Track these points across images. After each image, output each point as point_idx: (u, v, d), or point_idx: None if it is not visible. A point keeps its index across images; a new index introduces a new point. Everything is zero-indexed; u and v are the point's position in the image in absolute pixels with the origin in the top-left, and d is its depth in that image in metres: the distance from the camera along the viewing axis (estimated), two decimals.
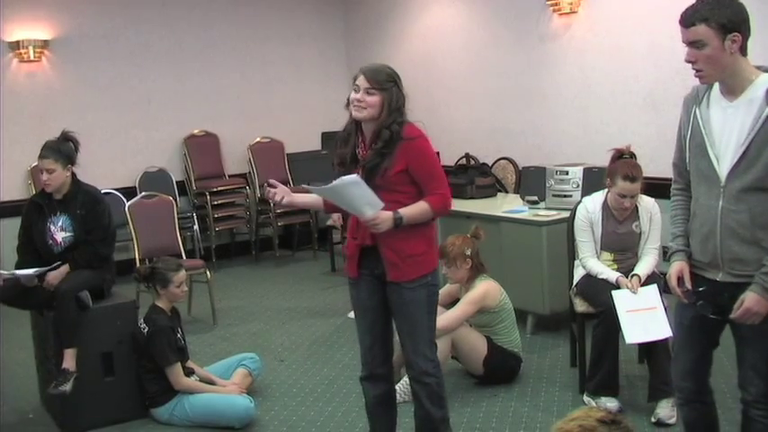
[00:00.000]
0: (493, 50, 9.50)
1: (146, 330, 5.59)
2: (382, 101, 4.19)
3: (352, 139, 4.31)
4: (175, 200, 9.08)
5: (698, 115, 3.58)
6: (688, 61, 3.47)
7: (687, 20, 3.42)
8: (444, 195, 4.31)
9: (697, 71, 3.47)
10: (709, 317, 3.61)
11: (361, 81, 4.20)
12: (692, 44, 3.42)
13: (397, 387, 5.55)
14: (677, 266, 3.68)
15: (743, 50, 3.43)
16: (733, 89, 3.48)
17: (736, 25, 3.38)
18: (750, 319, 3.43)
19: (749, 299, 3.41)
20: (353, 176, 4.06)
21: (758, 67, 3.50)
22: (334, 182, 4.05)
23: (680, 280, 3.66)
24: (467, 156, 9.45)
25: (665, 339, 5.04)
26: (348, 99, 4.27)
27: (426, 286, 4.35)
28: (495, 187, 8.35)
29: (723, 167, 3.49)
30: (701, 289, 3.62)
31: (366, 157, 4.24)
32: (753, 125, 3.40)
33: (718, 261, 3.55)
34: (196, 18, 10.66)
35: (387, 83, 4.22)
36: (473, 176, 8.16)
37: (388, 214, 4.13)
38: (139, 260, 7.71)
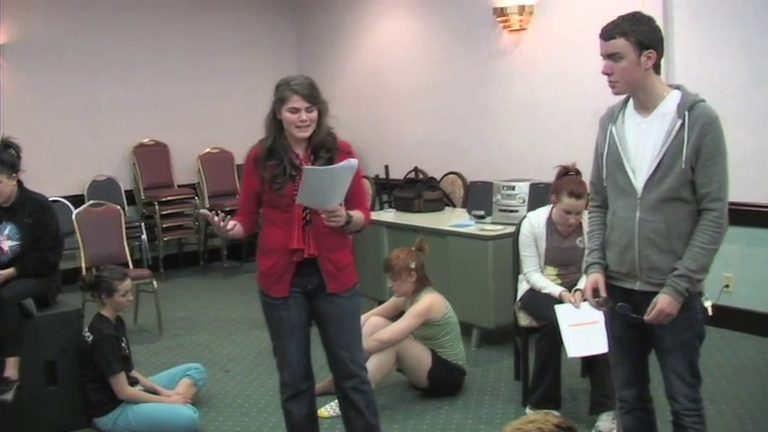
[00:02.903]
0: (443, 65, 9.58)
1: (90, 339, 5.56)
2: (319, 114, 4.24)
3: (287, 155, 4.24)
4: (123, 209, 9.06)
5: (614, 132, 3.75)
6: (605, 73, 3.65)
7: (607, 33, 3.62)
8: (369, 211, 4.53)
9: (611, 82, 3.66)
10: (634, 323, 3.72)
11: (299, 102, 4.16)
12: (610, 56, 3.61)
13: (332, 404, 5.59)
14: (593, 278, 3.84)
15: (656, 68, 3.64)
16: (646, 105, 3.67)
17: (652, 43, 3.60)
18: (663, 319, 3.59)
19: (662, 300, 3.59)
20: (354, 161, 4.11)
21: (669, 85, 3.72)
22: (340, 164, 4.09)
23: (595, 291, 3.80)
24: (415, 170, 9.51)
25: (606, 354, 5.11)
26: (274, 118, 4.25)
27: (357, 295, 4.49)
28: (442, 201, 8.41)
29: (639, 180, 3.66)
30: (619, 304, 3.75)
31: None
32: (666, 138, 3.59)
33: (636, 271, 3.71)
34: (148, 27, 10.64)
35: (319, 95, 4.25)
36: (421, 190, 8.21)
37: (343, 210, 4.18)
38: (86, 269, 7.66)
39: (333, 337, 4.41)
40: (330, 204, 4.11)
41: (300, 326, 4.41)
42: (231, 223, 4.18)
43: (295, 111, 4.17)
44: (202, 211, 4.24)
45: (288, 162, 4.22)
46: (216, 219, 4.10)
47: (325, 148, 4.27)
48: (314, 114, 4.21)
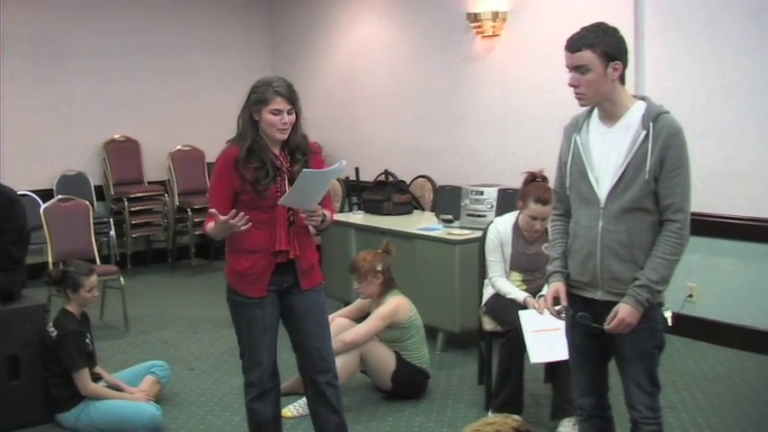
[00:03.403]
0: (416, 69, 9.61)
1: (54, 334, 5.55)
2: (296, 116, 4.29)
3: (268, 154, 4.26)
4: (92, 204, 9.06)
5: (578, 142, 3.76)
6: (571, 85, 3.65)
7: (573, 45, 3.62)
8: (334, 210, 4.63)
9: (578, 94, 3.66)
10: (594, 332, 3.74)
11: (281, 104, 4.20)
12: (577, 68, 3.61)
13: (301, 401, 5.61)
14: (554, 287, 3.84)
15: (621, 79, 3.65)
16: (611, 115, 3.69)
17: (618, 54, 3.61)
18: (623, 329, 3.60)
19: (622, 310, 3.60)
20: (344, 163, 4.21)
21: (634, 96, 3.74)
22: (334, 166, 4.21)
23: (556, 300, 3.82)
24: (386, 172, 9.53)
25: (568, 360, 5.15)
26: (251, 118, 4.26)
27: (323, 291, 4.58)
28: (411, 204, 8.43)
29: (602, 189, 3.67)
30: (580, 313, 3.77)
31: (292, 168, 4.30)
32: (630, 149, 3.61)
33: (598, 280, 3.71)
34: (123, 23, 10.60)
35: (297, 98, 4.30)
36: (390, 193, 8.23)
37: (321, 209, 4.27)
38: (53, 263, 7.61)
39: (308, 331, 4.45)
40: (312, 205, 4.19)
41: (272, 325, 4.43)
42: (246, 218, 4.12)
43: (277, 112, 4.20)
44: (211, 210, 4.16)
45: (270, 164, 4.23)
46: (232, 220, 4.07)
47: (301, 150, 4.33)
48: (293, 117, 4.25)
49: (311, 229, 4.41)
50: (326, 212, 4.33)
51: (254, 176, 4.22)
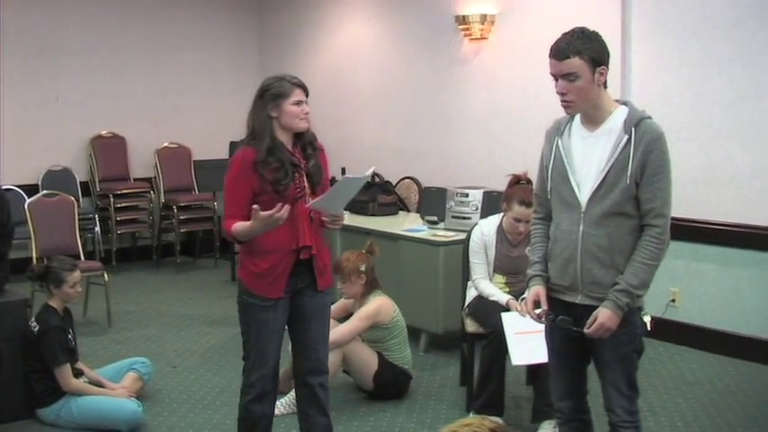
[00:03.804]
0: (403, 71, 9.62)
1: (36, 329, 5.54)
2: None
3: (285, 152, 4.26)
4: (78, 200, 9.03)
5: (560, 146, 3.76)
6: (560, 93, 3.64)
7: (561, 53, 3.60)
8: None
9: (566, 102, 3.65)
10: (573, 336, 3.75)
11: (301, 95, 4.30)
12: (566, 76, 3.60)
13: (284, 400, 5.63)
14: (534, 290, 3.84)
15: (604, 84, 3.65)
16: (594, 120, 3.69)
17: (603, 59, 3.62)
18: (603, 333, 3.61)
19: (602, 314, 3.60)
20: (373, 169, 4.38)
21: (616, 101, 3.74)
22: (366, 173, 4.27)
23: (536, 303, 3.82)
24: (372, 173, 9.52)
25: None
26: (269, 117, 4.27)
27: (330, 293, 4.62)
28: (397, 205, 8.44)
29: (584, 194, 3.68)
30: (560, 317, 3.78)
31: (307, 163, 4.35)
32: (611, 153, 3.61)
33: (578, 284, 3.72)
34: (111, 19, 10.59)
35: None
36: (376, 194, 8.24)
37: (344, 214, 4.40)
38: (37, 259, 7.61)
39: (313, 333, 4.46)
40: (340, 209, 4.30)
41: (281, 328, 4.43)
42: (286, 207, 4.10)
43: (299, 103, 4.28)
44: (254, 207, 4.08)
45: (288, 162, 4.25)
46: (278, 213, 4.05)
47: (311, 145, 4.39)
48: (308, 108, 4.36)
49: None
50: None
51: (274, 177, 4.20)
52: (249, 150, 4.25)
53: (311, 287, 4.41)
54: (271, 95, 4.27)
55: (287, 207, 4.07)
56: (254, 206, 4.08)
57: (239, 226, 4.20)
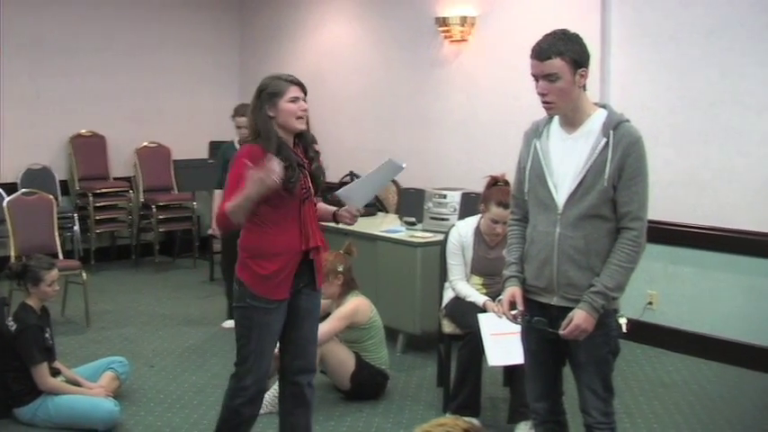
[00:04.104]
0: (383, 72, 9.63)
1: (13, 328, 5.52)
2: None
3: (291, 151, 4.25)
4: (57, 199, 9.00)
5: (538, 147, 3.76)
6: (541, 93, 3.64)
7: (543, 53, 3.60)
8: None
9: (547, 103, 3.65)
10: (549, 338, 3.76)
11: (298, 91, 4.24)
12: (547, 77, 3.60)
13: (265, 397, 5.62)
14: (510, 291, 3.84)
15: (584, 86, 3.66)
16: (573, 122, 3.70)
17: (584, 61, 3.63)
18: (578, 335, 3.62)
19: (578, 316, 3.61)
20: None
21: (595, 103, 3.75)
22: (402, 164, 4.46)
23: (512, 304, 3.82)
24: (351, 174, 9.52)
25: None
26: (268, 116, 4.21)
27: None
28: (375, 206, 8.43)
29: (561, 196, 3.68)
30: (536, 318, 3.79)
31: (310, 164, 4.35)
32: (589, 156, 3.62)
33: (554, 286, 3.72)
34: (91, 18, 10.56)
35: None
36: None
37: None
38: (15, 257, 7.59)
39: (306, 332, 4.45)
40: (362, 203, 4.43)
41: (279, 331, 4.38)
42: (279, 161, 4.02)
43: (295, 100, 4.22)
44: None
45: (295, 161, 4.22)
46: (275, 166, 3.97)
47: (312, 144, 4.39)
48: (307, 105, 4.30)
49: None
50: None
51: (285, 175, 4.10)
52: (256, 148, 4.19)
53: (310, 286, 4.41)
54: (267, 95, 4.23)
55: (277, 160, 4.00)
56: (248, 163, 4.02)
57: (231, 202, 4.06)
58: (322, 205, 4.59)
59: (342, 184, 8.96)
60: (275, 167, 3.96)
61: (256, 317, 4.29)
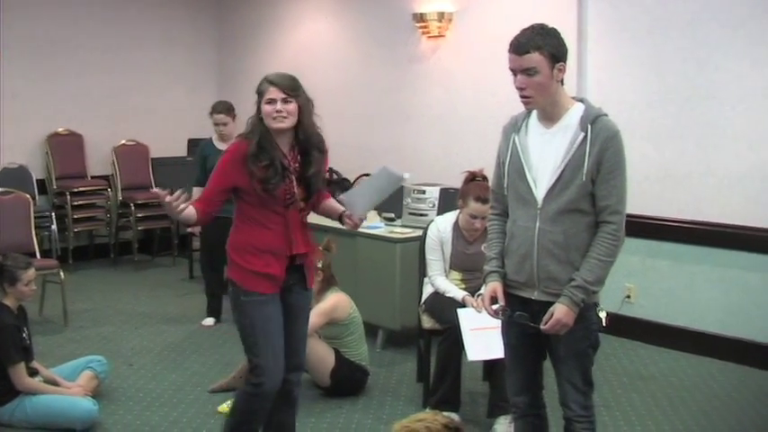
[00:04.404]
0: (361, 68, 9.63)
1: None
2: (299, 107, 4.23)
3: (276, 152, 4.20)
4: (34, 198, 8.96)
5: (517, 142, 3.76)
6: (519, 88, 3.63)
7: (521, 47, 3.59)
8: None
9: (525, 97, 3.64)
10: (529, 332, 3.76)
11: (275, 92, 4.16)
12: (525, 71, 3.59)
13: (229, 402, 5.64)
14: (491, 287, 3.84)
15: (562, 80, 3.66)
16: (551, 116, 3.70)
17: (562, 55, 3.62)
18: (559, 329, 3.63)
19: (558, 310, 3.61)
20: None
21: (573, 97, 3.75)
22: (405, 175, 4.33)
23: (493, 299, 3.83)
24: (330, 170, 9.52)
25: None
26: (258, 114, 4.21)
27: None
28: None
29: (540, 190, 3.68)
30: (517, 312, 3.79)
31: (298, 166, 4.26)
32: (568, 150, 3.62)
33: (534, 280, 3.73)
34: (67, 16, 10.50)
35: (298, 89, 4.26)
36: (333, 191, 8.16)
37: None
38: None
39: (297, 330, 4.43)
40: (365, 211, 4.36)
41: (281, 323, 4.35)
42: (183, 205, 4.01)
43: (271, 101, 4.16)
44: (154, 190, 4.14)
45: (279, 162, 4.17)
46: (168, 198, 3.97)
47: (318, 149, 4.31)
48: (291, 107, 4.19)
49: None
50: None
51: (263, 175, 4.13)
52: (243, 143, 4.21)
53: (300, 284, 4.39)
54: (257, 93, 4.23)
55: (183, 196, 4.01)
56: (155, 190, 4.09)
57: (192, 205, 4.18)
58: (331, 202, 4.54)
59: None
60: (181, 209, 4.00)
61: (254, 311, 4.26)
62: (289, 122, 4.20)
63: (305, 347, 4.57)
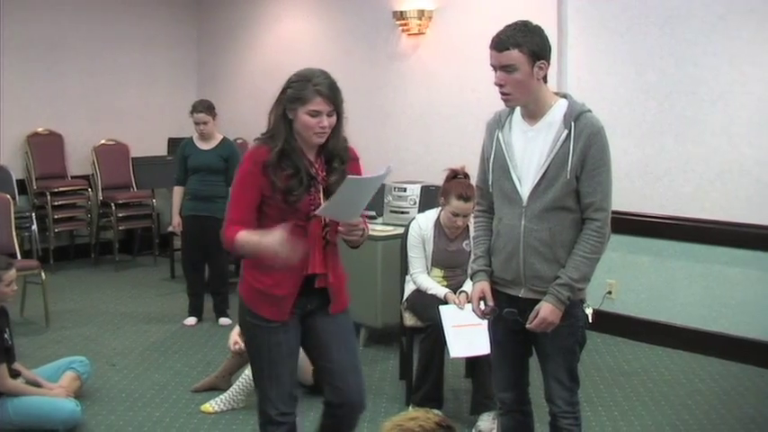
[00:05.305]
0: (342, 66, 9.57)
1: None
2: (337, 119, 3.78)
3: (302, 160, 3.73)
4: (14, 198, 8.90)
5: (500, 139, 3.75)
6: (498, 84, 3.63)
7: (501, 44, 3.58)
8: (367, 224, 3.91)
9: (505, 94, 3.64)
10: (515, 328, 3.77)
11: (321, 105, 3.66)
12: (504, 68, 3.59)
13: (224, 396, 5.64)
14: (479, 287, 3.84)
15: (544, 78, 3.65)
16: (534, 114, 3.69)
17: (544, 53, 3.61)
18: (545, 327, 3.64)
19: (544, 308, 3.62)
20: (390, 167, 3.71)
21: (556, 93, 3.75)
22: (380, 173, 3.60)
23: (482, 300, 3.83)
24: None
25: (488, 355, 5.19)
26: (285, 117, 3.72)
27: (350, 314, 4.09)
28: None
29: (525, 188, 3.68)
30: (506, 309, 3.79)
31: (329, 178, 3.76)
32: (552, 147, 3.62)
33: (521, 278, 3.74)
34: (47, 16, 10.45)
35: (341, 97, 3.77)
36: None
37: (362, 223, 3.77)
38: None
39: (336, 360, 3.94)
40: (355, 217, 3.69)
41: (296, 349, 3.93)
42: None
43: (315, 114, 3.66)
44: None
45: (304, 171, 3.71)
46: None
47: (339, 158, 3.80)
48: (333, 119, 3.73)
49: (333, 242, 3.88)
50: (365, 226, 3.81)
51: (286, 185, 3.67)
52: (263, 149, 3.74)
53: (323, 310, 3.89)
54: (290, 95, 3.71)
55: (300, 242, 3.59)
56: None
57: (245, 236, 3.66)
58: None
59: None
60: (298, 252, 3.59)
61: (262, 336, 3.85)
62: (326, 137, 3.75)
63: (357, 380, 4.03)
